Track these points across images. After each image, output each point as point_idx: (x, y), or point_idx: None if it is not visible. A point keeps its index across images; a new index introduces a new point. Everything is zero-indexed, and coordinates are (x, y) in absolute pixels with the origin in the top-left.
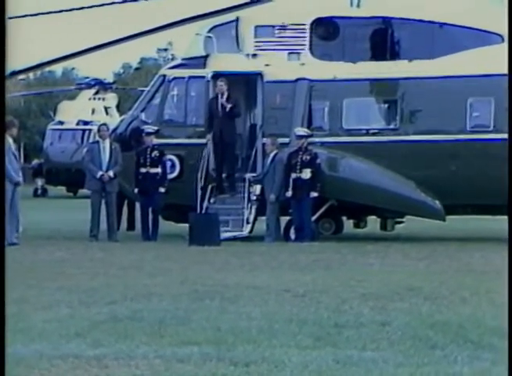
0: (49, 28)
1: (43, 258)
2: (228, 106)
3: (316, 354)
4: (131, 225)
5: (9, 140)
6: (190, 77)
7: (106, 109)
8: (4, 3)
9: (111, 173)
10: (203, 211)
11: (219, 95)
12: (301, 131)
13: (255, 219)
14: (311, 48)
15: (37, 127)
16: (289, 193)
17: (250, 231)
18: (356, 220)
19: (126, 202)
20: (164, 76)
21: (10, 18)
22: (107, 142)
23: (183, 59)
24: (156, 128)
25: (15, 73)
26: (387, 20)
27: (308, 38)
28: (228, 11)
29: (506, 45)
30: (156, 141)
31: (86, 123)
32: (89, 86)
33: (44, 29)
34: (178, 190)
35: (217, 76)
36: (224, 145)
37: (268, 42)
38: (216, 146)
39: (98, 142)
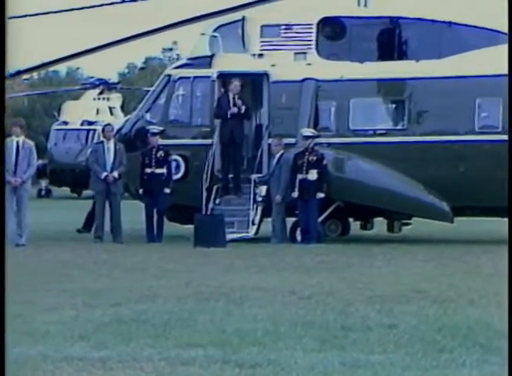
0: (54, 28)
1: (47, 259)
2: (243, 107)
3: (322, 357)
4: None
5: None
6: (195, 77)
7: (110, 109)
8: (4, 3)
9: (116, 174)
10: (209, 212)
11: (231, 95)
12: (308, 131)
13: (261, 220)
14: (317, 48)
15: (42, 127)
16: (295, 194)
17: (256, 232)
18: (363, 222)
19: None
20: (169, 76)
21: (16, 17)
22: (112, 142)
23: (188, 58)
24: (161, 128)
25: (19, 73)
26: (394, 20)
27: (314, 38)
28: (234, 10)
29: (506, 45)
30: (161, 141)
31: (91, 123)
32: (94, 86)
33: (48, 28)
34: (183, 191)
35: (222, 76)
36: (233, 145)
37: (274, 42)
38: (224, 146)
39: (102, 142)
